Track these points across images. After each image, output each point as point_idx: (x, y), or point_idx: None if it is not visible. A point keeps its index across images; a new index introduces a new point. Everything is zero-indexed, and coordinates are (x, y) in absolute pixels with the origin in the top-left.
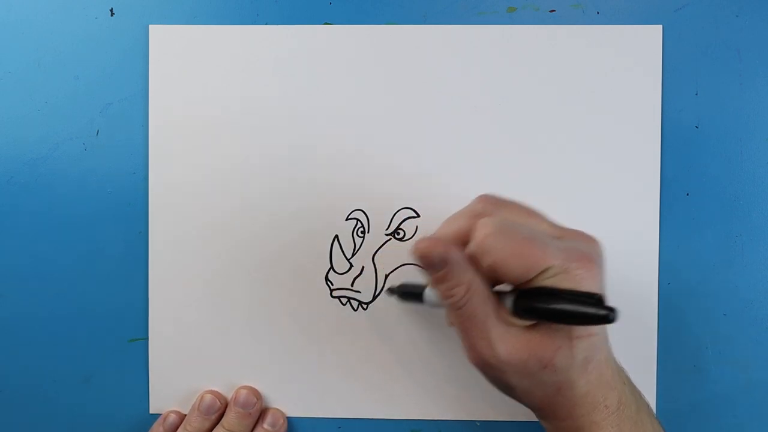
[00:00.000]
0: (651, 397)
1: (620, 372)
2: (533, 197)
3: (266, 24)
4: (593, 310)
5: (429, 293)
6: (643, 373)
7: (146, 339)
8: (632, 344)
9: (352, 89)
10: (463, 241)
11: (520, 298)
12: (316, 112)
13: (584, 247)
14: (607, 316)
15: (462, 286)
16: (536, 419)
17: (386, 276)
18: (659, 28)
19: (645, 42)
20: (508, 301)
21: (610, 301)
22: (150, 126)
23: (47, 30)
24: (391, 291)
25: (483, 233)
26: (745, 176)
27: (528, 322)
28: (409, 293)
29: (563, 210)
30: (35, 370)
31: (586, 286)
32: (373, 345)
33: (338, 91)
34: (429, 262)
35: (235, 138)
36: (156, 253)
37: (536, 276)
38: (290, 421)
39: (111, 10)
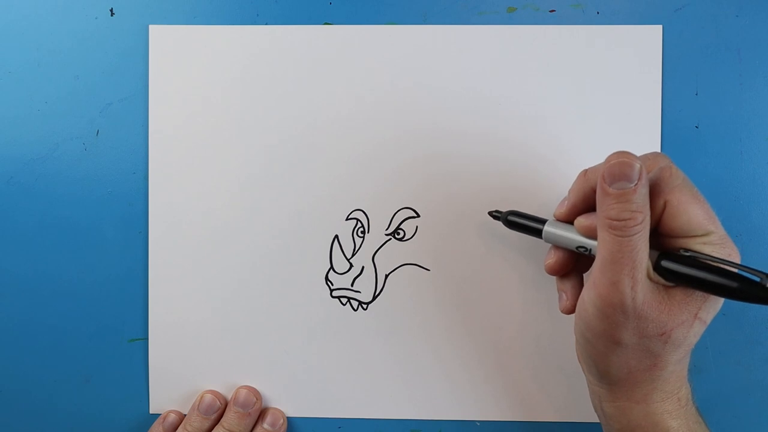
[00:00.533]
0: None
1: (687, 373)
2: (533, 197)
3: (266, 24)
4: (761, 290)
5: (551, 228)
6: None
7: (146, 339)
8: None
9: (352, 89)
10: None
11: (670, 259)
12: (316, 112)
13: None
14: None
15: (641, 213)
16: (536, 420)
17: (386, 276)
18: (659, 28)
19: (645, 42)
20: (654, 255)
21: None
22: (150, 126)
23: (47, 30)
24: (499, 215)
25: (675, 171)
26: (745, 176)
27: (664, 284)
28: (522, 223)
29: None
30: (35, 370)
31: (735, 260)
32: (373, 345)
33: (338, 91)
34: (625, 171)
35: (234, 138)
36: (156, 253)
37: (697, 236)
38: (290, 421)
39: (111, 10)
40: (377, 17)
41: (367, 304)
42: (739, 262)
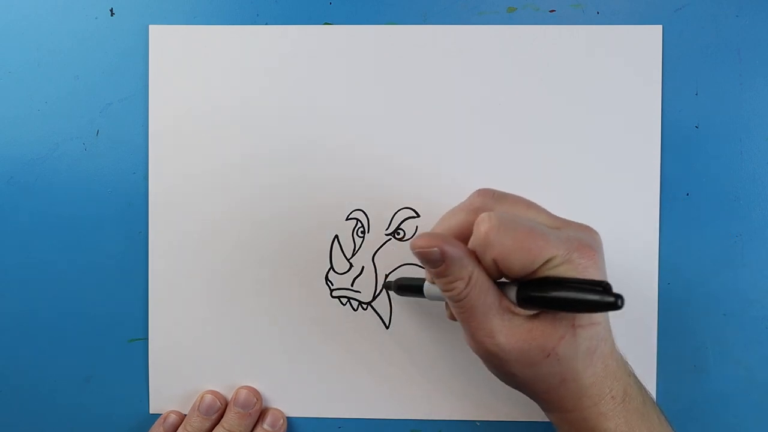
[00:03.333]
0: None
1: (625, 364)
2: (533, 197)
3: (266, 24)
4: (600, 297)
5: (429, 287)
6: (643, 373)
7: (146, 339)
8: (632, 344)
9: (352, 89)
10: (463, 235)
11: (524, 287)
12: (316, 112)
13: (585, 237)
14: (615, 302)
15: (461, 281)
16: (536, 419)
17: (386, 276)
18: (659, 28)
19: (645, 42)
20: (512, 292)
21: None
22: (150, 126)
23: (47, 30)
24: (389, 286)
25: (484, 228)
26: (745, 176)
27: (531, 312)
28: (407, 287)
29: (563, 210)
30: (35, 370)
31: (590, 274)
32: (373, 345)
33: (338, 90)
34: (427, 258)
35: (235, 138)
36: (156, 253)
37: (539, 267)
38: (290, 421)
39: (111, 10)
40: (377, 17)
41: (367, 304)
42: (597, 260)
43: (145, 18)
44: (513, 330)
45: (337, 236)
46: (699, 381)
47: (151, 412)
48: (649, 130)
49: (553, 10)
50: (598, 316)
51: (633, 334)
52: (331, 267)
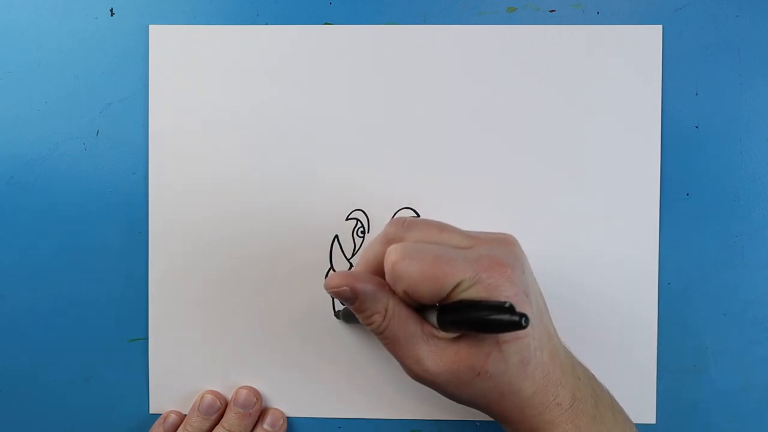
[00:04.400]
0: (651, 397)
1: (574, 367)
2: (533, 197)
3: (266, 24)
4: (506, 317)
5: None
6: (643, 373)
7: (146, 339)
8: (632, 344)
9: (352, 89)
10: (381, 266)
11: (442, 312)
12: (316, 112)
13: (497, 252)
14: (519, 321)
15: (378, 314)
16: None
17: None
18: (659, 28)
19: (645, 42)
20: (432, 317)
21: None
22: (150, 126)
23: (47, 30)
24: (338, 315)
25: (391, 261)
26: (745, 176)
27: (455, 335)
28: (353, 315)
29: (563, 210)
30: (35, 370)
31: (504, 291)
32: (374, 345)
33: (338, 91)
34: (340, 297)
35: (234, 138)
36: (156, 253)
37: (451, 292)
38: (290, 421)
39: (111, 10)
40: (377, 17)
41: None
42: (511, 274)
43: (145, 18)
44: (439, 354)
45: (337, 236)
46: (699, 381)
47: (151, 412)
48: (649, 130)
49: (553, 10)
50: (523, 330)
51: (633, 334)
52: (331, 267)
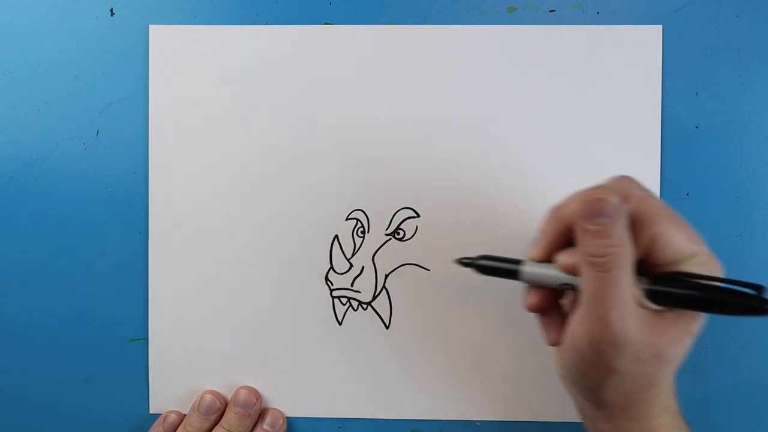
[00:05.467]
0: None
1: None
2: (533, 196)
3: (266, 24)
4: (752, 300)
5: (531, 269)
6: None
7: (146, 339)
8: None
9: (352, 89)
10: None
11: (661, 281)
12: (316, 113)
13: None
14: (765, 307)
15: (620, 247)
16: (536, 420)
17: (386, 276)
18: (659, 28)
19: (645, 42)
20: (643, 282)
21: None
22: (150, 126)
23: (47, 30)
24: (467, 262)
25: (653, 201)
26: (745, 176)
27: (656, 308)
28: (495, 268)
29: None
30: (35, 370)
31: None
32: (373, 345)
33: (338, 90)
34: (602, 207)
35: (234, 138)
36: (156, 253)
37: (684, 259)
38: (290, 421)
39: (111, 10)
40: (377, 17)
41: (367, 304)
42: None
43: (145, 18)
44: (642, 319)
45: (337, 236)
46: (699, 381)
47: (151, 412)
48: (649, 130)
49: (553, 10)
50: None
51: None
52: (331, 267)
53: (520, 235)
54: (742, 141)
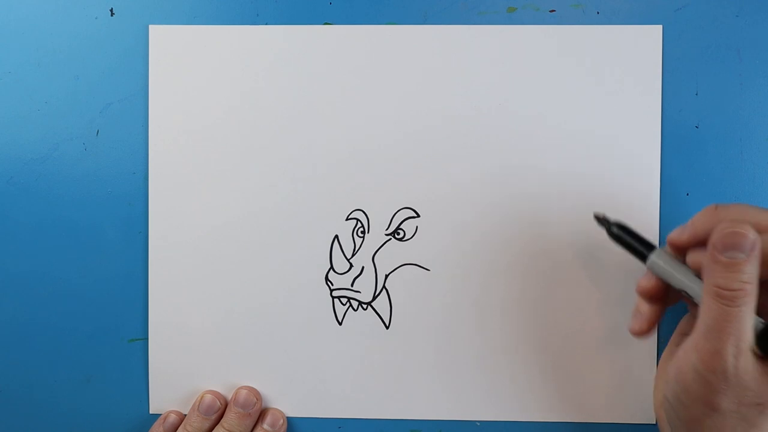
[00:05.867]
0: (651, 397)
1: None
2: (533, 197)
3: (266, 24)
4: None
5: (658, 259)
6: (644, 373)
7: (146, 339)
8: (633, 344)
9: (352, 89)
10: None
11: None
12: (316, 112)
13: None
14: None
15: (751, 284)
16: (536, 420)
17: (386, 276)
18: (659, 28)
19: (645, 42)
20: (758, 324)
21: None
22: (150, 126)
23: (47, 30)
24: (607, 222)
25: None
26: (745, 176)
27: (762, 355)
28: (628, 243)
29: (564, 210)
30: (35, 370)
31: None
32: (373, 345)
33: (338, 91)
34: (740, 241)
35: (235, 138)
36: (156, 253)
37: None
38: (290, 421)
39: (111, 10)
40: (377, 17)
41: (367, 304)
42: None
43: (145, 18)
44: (753, 363)
45: (337, 236)
46: None
47: (151, 412)
48: (649, 130)
49: (553, 10)
50: None
51: None
52: (331, 267)
53: (520, 235)
54: (742, 141)
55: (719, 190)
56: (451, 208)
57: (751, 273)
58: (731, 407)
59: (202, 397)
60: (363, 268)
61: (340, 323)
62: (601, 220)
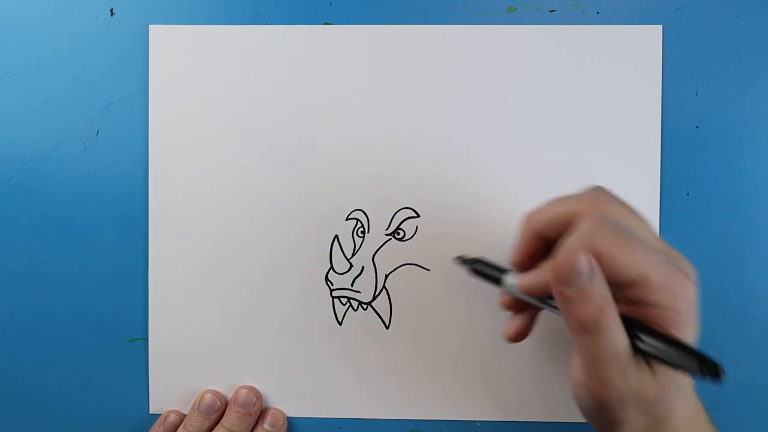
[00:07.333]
0: None
1: (702, 409)
2: (533, 197)
3: (266, 24)
4: (710, 370)
5: (511, 281)
6: None
7: (146, 339)
8: None
9: (352, 89)
10: (560, 225)
11: (645, 335)
12: (316, 112)
13: (683, 265)
14: (720, 377)
15: (607, 303)
16: (536, 420)
17: (386, 276)
18: (659, 28)
19: (645, 42)
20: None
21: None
22: (150, 126)
23: (47, 30)
24: (464, 261)
25: (589, 223)
26: (745, 176)
27: (643, 361)
28: (485, 273)
29: None
30: (35, 370)
31: (685, 304)
32: (373, 345)
33: (338, 91)
34: (574, 273)
35: (234, 138)
36: (156, 253)
37: (636, 286)
38: (290, 421)
39: (111, 10)
40: (377, 17)
41: (367, 304)
42: (692, 290)
43: (145, 18)
44: (635, 372)
45: (337, 236)
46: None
47: (151, 412)
48: (649, 130)
49: (553, 10)
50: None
51: None
52: (331, 267)
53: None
54: (742, 141)
55: (719, 190)
56: (451, 208)
57: (602, 291)
58: (635, 416)
59: (202, 397)
60: (363, 268)
61: (340, 323)
62: (461, 261)
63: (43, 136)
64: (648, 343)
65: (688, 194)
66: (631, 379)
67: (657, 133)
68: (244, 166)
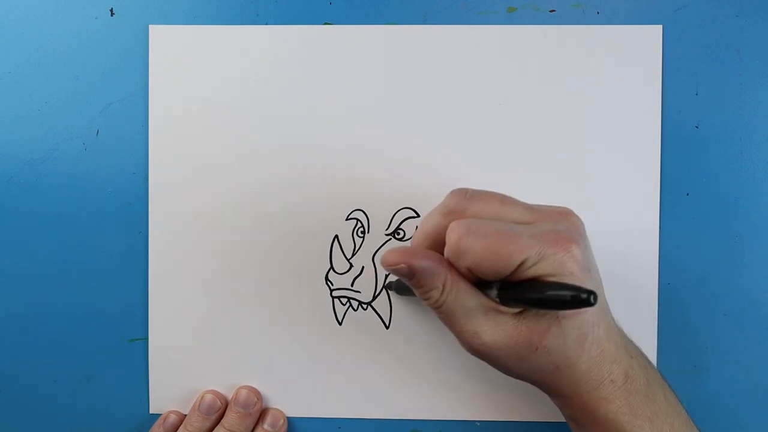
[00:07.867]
0: None
1: (627, 345)
2: (532, 197)
3: (266, 24)
4: (575, 294)
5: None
6: None
7: (146, 339)
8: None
9: (352, 89)
10: (440, 238)
11: (503, 289)
12: (316, 112)
13: (561, 227)
14: (588, 299)
15: (436, 290)
16: (536, 419)
17: (386, 276)
18: (659, 28)
19: (645, 42)
20: (492, 292)
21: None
22: (150, 126)
23: (47, 30)
24: (390, 287)
25: (455, 237)
26: (745, 176)
27: (515, 309)
28: (407, 288)
29: None
30: (35, 370)
31: (569, 267)
32: (373, 345)
33: (338, 91)
34: (397, 274)
35: (234, 138)
36: (156, 253)
37: (515, 270)
38: (290, 421)
39: (111, 10)
40: (377, 17)
41: (367, 304)
42: (573, 250)
43: (145, 18)
44: (499, 328)
45: (337, 236)
46: (699, 381)
47: (151, 412)
48: (649, 130)
49: (553, 10)
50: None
51: (633, 334)
52: (331, 267)
53: None
54: (742, 141)
55: (719, 190)
56: None
57: (427, 284)
58: (517, 364)
59: (202, 397)
60: (363, 268)
61: (340, 323)
62: (390, 287)
63: (43, 136)
64: (507, 293)
65: (688, 194)
66: (487, 336)
67: (657, 133)
68: (243, 166)
